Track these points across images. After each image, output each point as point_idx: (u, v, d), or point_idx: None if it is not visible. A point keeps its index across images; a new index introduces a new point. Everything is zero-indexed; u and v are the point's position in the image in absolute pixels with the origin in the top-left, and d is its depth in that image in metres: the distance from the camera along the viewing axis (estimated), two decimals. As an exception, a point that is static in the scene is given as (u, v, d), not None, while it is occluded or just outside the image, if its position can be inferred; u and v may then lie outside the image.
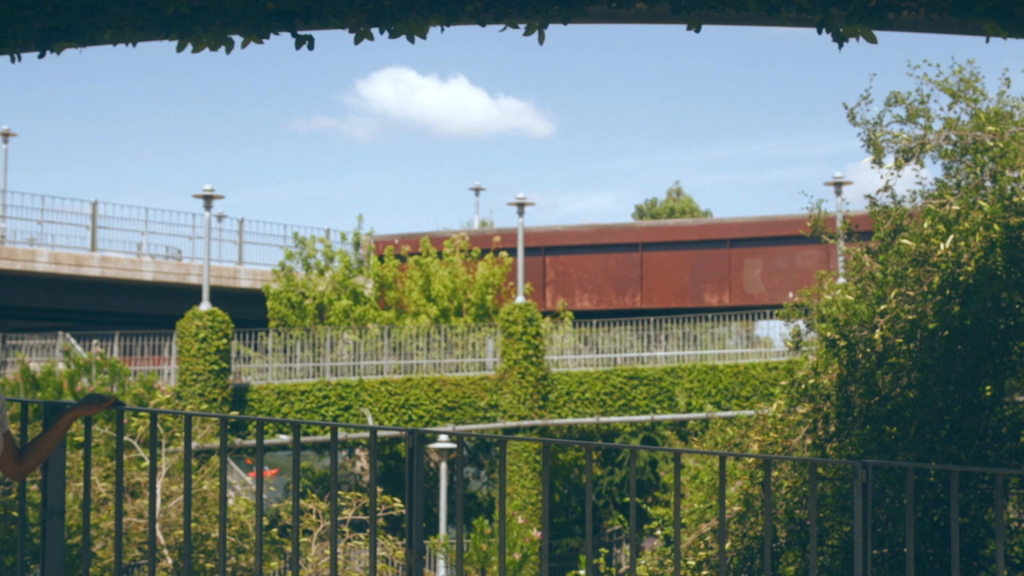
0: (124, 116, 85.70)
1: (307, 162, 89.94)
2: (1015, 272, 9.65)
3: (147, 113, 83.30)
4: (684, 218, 47.84)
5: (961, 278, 9.81)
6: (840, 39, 4.81)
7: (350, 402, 27.80)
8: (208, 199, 28.83)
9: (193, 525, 18.03)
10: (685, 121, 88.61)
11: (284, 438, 26.73)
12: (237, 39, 4.94)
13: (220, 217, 34.96)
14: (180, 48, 4.99)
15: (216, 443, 21.24)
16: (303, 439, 26.53)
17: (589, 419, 28.66)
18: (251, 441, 25.71)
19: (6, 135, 36.22)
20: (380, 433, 26.56)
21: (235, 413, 25.23)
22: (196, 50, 5.00)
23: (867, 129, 11.63)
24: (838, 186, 30.57)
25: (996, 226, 9.84)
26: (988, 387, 10.24)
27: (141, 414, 17.42)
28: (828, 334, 10.60)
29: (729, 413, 26.34)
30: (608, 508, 32.43)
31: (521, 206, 30.52)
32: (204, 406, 25.67)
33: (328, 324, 30.43)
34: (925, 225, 10.34)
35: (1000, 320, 9.82)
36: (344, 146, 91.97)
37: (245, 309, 31.46)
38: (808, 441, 10.76)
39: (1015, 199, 10.08)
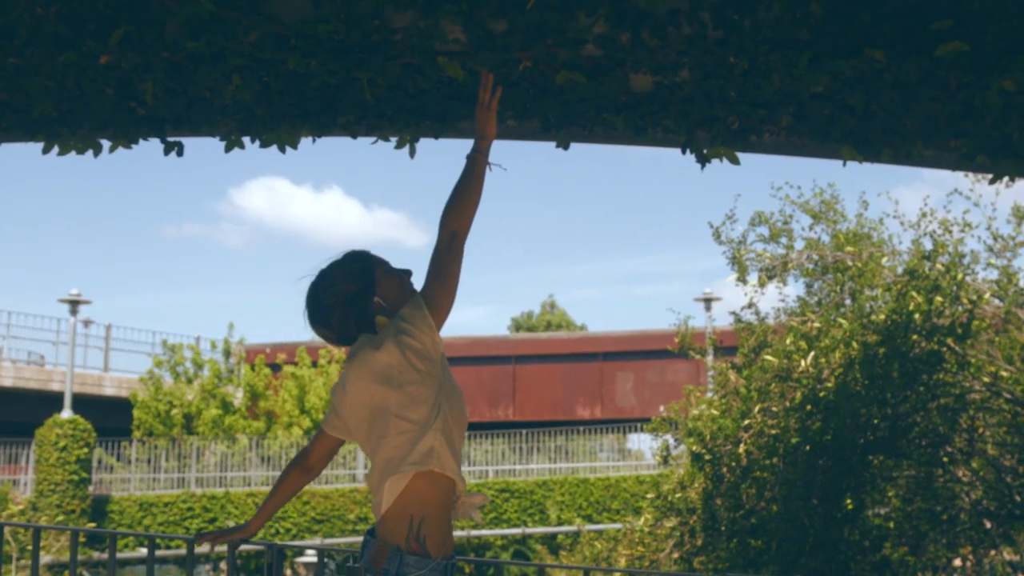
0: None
1: (178, 269, 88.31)
2: (873, 388, 9.94)
3: (12, 215, 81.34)
4: (558, 331, 48.21)
5: (822, 394, 10.07)
6: (703, 160, 4.95)
7: (215, 514, 27.07)
8: (74, 304, 28.16)
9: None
10: (560, 236, 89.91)
11: (145, 552, 25.83)
12: (106, 143, 4.90)
13: (87, 323, 34.10)
14: (46, 150, 4.92)
15: (72, 557, 20.39)
16: (165, 552, 25.66)
17: (460, 532, 28.34)
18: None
19: None
20: (247, 547, 25.89)
21: (91, 526, 24.35)
22: (62, 153, 4.93)
23: (732, 247, 11.98)
24: (707, 302, 31.20)
25: (855, 343, 10.15)
26: (849, 501, 10.46)
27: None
28: (694, 448, 10.74)
29: (599, 526, 26.34)
30: (478, 624, 31.97)
31: (395, 317, 30.45)
32: (61, 518, 24.71)
33: (196, 434, 29.71)
34: (788, 342, 10.62)
35: (859, 435, 10.07)
36: (216, 254, 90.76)
37: (110, 417, 30.56)
38: (676, 555, 10.81)
39: (872, 317, 10.43)
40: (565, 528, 28.04)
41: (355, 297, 3.27)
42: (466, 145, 3.50)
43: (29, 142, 4.89)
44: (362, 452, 28.09)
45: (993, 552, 12.73)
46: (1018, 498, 11.43)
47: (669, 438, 12.81)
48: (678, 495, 11.13)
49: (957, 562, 13.33)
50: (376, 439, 3.12)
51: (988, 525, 11.85)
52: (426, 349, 3.13)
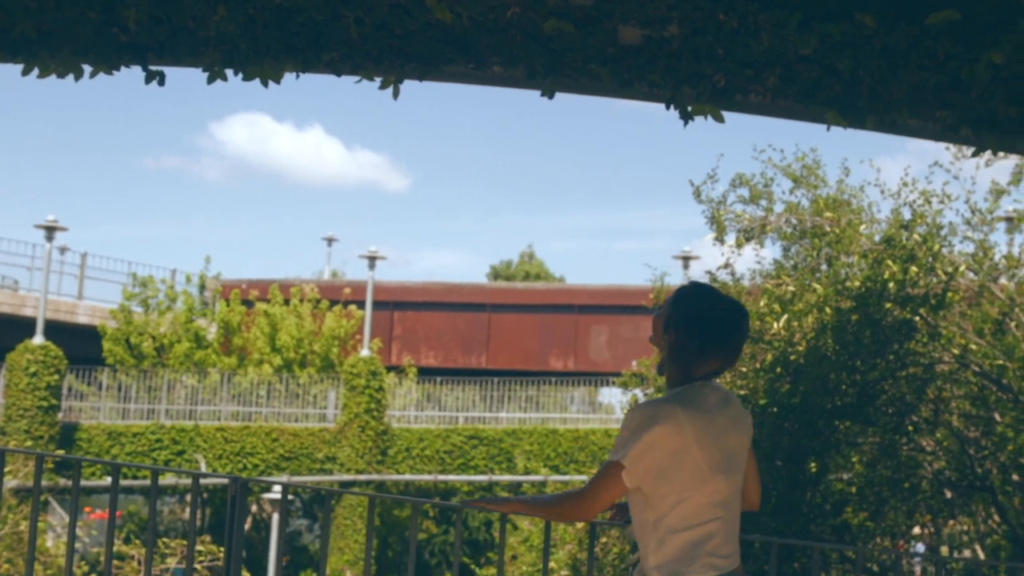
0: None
1: (156, 201, 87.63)
2: (843, 355, 9.99)
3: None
4: (535, 282, 48.26)
5: (792, 357, 10.12)
6: (687, 116, 4.93)
7: (184, 447, 27.11)
8: (50, 230, 27.98)
9: (7, 567, 17.30)
10: (543, 186, 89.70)
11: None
12: (87, 68, 4.84)
13: (63, 250, 33.87)
14: (26, 72, 4.86)
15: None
16: (131, 483, 25.69)
17: (427, 476, 28.51)
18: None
19: None
20: (213, 480, 25.92)
21: (60, 452, 24.35)
22: (42, 75, 4.87)
23: (711, 207, 11.98)
24: (686, 260, 31.22)
25: (828, 309, 10.20)
26: (813, 464, 10.54)
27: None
28: (663, 404, 10.77)
29: (565, 477, 26.53)
30: (441, 567, 32.23)
31: (372, 259, 30.41)
32: (29, 443, 24.67)
33: (167, 367, 29.67)
34: (761, 304, 10.65)
35: (827, 400, 10.14)
36: (195, 188, 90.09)
37: (83, 345, 30.45)
38: (639, 509, 10.89)
39: (847, 284, 10.47)
40: (531, 477, 28.20)
41: None
42: (452, 89, 3.48)
43: (8, 63, 4.83)
44: (332, 392, 28.00)
45: (952, 522, 12.89)
46: (979, 470, 11.56)
47: (639, 392, 12.87)
48: (645, 450, 11.20)
49: (916, 530, 13.50)
50: (730, 475, 3.49)
51: (948, 495, 11.99)
52: None
